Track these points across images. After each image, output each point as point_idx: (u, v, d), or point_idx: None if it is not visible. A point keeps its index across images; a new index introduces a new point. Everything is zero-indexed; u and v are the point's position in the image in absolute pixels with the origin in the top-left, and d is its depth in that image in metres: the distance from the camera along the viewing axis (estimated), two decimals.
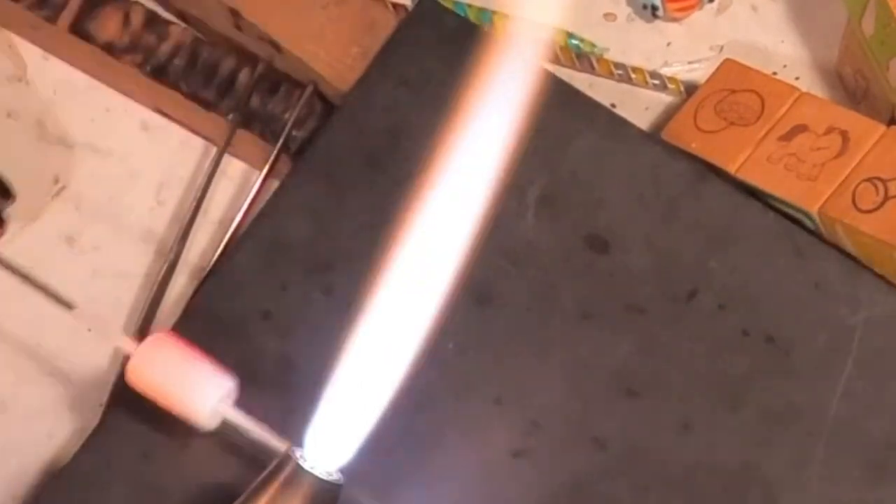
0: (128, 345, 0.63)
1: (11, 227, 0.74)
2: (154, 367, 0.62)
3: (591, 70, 0.75)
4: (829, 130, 0.67)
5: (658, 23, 0.77)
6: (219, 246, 0.72)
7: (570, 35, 0.75)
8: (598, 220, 0.67)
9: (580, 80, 0.74)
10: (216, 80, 0.74)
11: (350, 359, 0.53)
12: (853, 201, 0.65)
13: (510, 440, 0.64)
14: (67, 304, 0.65)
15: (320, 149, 0.70)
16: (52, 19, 0.74)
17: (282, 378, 0.66)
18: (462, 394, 0.65)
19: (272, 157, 0.73)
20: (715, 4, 0.77)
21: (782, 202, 0.67)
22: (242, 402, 0.65)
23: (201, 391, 0.61)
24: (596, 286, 0.66)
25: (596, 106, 0.70)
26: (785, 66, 0.75)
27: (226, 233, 0.72)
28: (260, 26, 0.73)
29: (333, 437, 0.52)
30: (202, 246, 0.74)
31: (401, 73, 0.70)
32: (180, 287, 0.73)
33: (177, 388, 0.62)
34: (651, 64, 0.76)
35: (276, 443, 0.59)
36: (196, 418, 0.61)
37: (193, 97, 0.74)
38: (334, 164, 0.69)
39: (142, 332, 0.71)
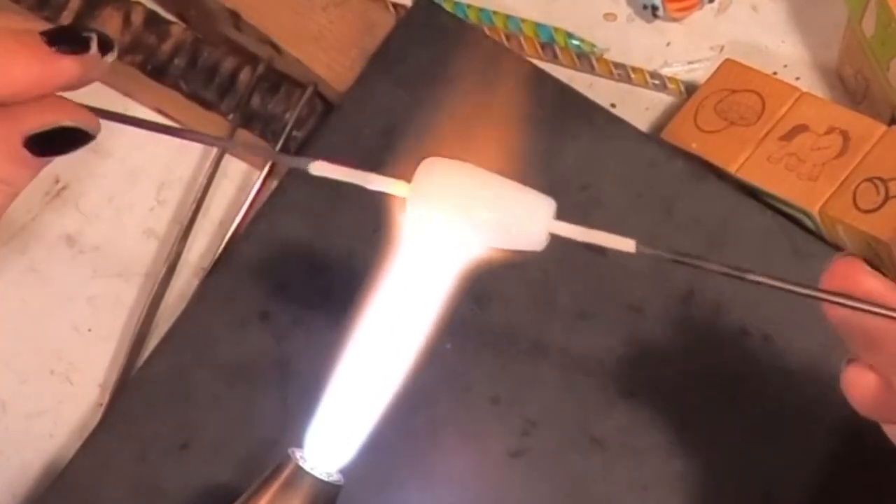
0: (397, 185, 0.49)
1: (12, 227, 0.74)
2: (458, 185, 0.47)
3: (591, 70, 0.75)
4: (830, 130, 0.67)
5: (658, 23, 0.77)
6: (219, 246, 0.72)
7: (570, 35, 0.75)
8: (596, 220, 0.67)
9: (580, 80, 0.74)
10: (217, 80, 0.74)
11: (349, 360, 0.53)
12: (854, 201, 0.65)
13: (508, 440, 0.64)
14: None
15: (317, 149, 0.70)
16: (52, 19, 0.74)
17: (281, 379, 0.66)
18: (460, 394, 0.65)
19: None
20: (715, 4, 0.77)
21: (783, 202, 0.67)
22: (244, 401, 0.65)
23: (532, 208, 0.48)
24: (593, 286, 0.66)
25: (593, 106, 0.70)
26: (785, 66, 0.75)
27: (226, 233, 0.73)
28: (259, 27, 0.73)
29: (333, 438, 0.52)
30: (202, 246, 0.74)
31: (397, 73, 0.70)
32: (180, 287, 0.73)
33: (497, 209, 0.47)
34: (651, 64, 0.76)
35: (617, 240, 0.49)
36: (528, 240, 0.48)
37: (194, 97, 0.74)
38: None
39: (142, 332, 0.71)
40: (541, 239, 0.49)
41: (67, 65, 0.50)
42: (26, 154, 0.48)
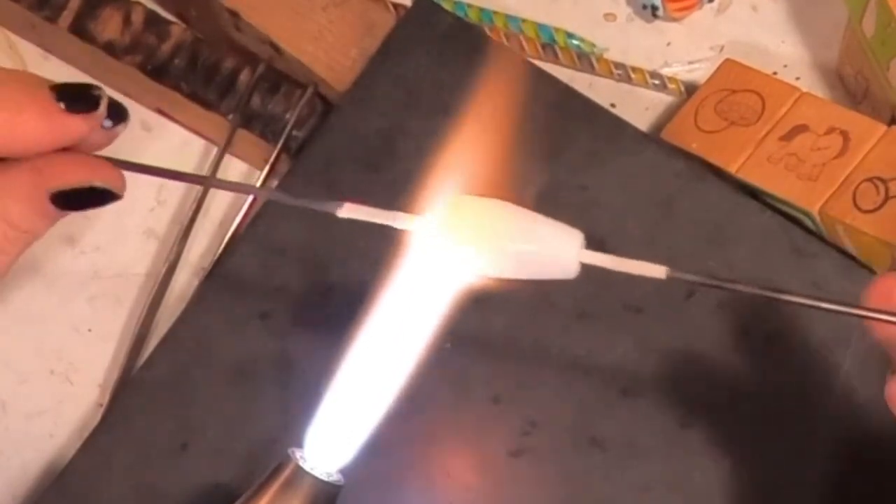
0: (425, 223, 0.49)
1: None
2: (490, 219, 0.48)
3: (591, 70, 0.75)
4: (830, 130, 0.67)
5: (658, 23, 0.77)
6: (219, 246, 0.72)
7: (570, 35, 0.75)
8: (596, 220, 0.67)
9: (580, 80, 0.74)
10: (217, 80, 0.74)
11: (349, 360, 0.53)
12: (854, 201, 0.65)
13: (508, 440, 0.64)
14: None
15: (317, 150, 0.70)
16: (52, 19, 0.74)
17: (281, 379, 0.66)
18: (460, 393, 0.65)
19: (272, 158, 0.73)
20: (715, 4, 0.77)
21: (783, 202, 0.67)
22: (244, 400, 0.65)
23: (561, 240, 0.49)
24: (593, 286, 0.66)
25: (593, 107, 0.70)
26: (785, 66, 0.75)
27: (226, 233, 0.73)
28: (259, 28, 0.73)
29: (333, 438, 0.52)
30: (202, 246, 0.74)
31: (397, 73, 0.70)
32: (180, 287, 0.73)
33: (529, 245, 0.48)
34: (651, 64, 0.76)
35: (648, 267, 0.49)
36: (562, 268, 0.49)
37: (194, 97, 0.74)
38: (331, 165, 0.69)
39: (142, 332, 0.71)
40: (572, 269, 0.49)
41: (75, 125, 0.49)
42: (50, 207, 0.49)
